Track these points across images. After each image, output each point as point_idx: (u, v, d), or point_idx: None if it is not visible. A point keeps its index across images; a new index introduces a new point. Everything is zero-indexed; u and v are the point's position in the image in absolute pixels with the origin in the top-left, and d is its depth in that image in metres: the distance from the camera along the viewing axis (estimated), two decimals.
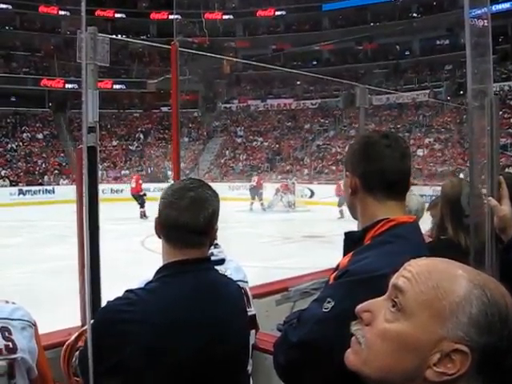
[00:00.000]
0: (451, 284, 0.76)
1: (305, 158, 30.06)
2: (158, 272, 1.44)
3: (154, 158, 32.18)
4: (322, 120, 33.93)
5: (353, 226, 1.45)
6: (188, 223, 1.39)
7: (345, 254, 1.31)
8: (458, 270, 0.78)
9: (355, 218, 1.40)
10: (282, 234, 13.28)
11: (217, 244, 2.08)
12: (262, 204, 20.15)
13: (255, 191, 20.48)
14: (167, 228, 1.42)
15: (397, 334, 0.76)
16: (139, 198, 17.49)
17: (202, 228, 1.41)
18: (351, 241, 1.32)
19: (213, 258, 2.24)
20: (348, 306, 0.89)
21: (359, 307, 0.83)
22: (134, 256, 10.35)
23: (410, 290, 0.78)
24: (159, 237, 1.46)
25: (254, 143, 33.57)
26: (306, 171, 28.30)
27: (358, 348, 0.80)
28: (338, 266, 1.29)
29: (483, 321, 0.74)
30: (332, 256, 1.39)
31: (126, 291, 1.41)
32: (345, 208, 17.45)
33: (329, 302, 1.20)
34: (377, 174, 1.32)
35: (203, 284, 1.42)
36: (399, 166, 1.32)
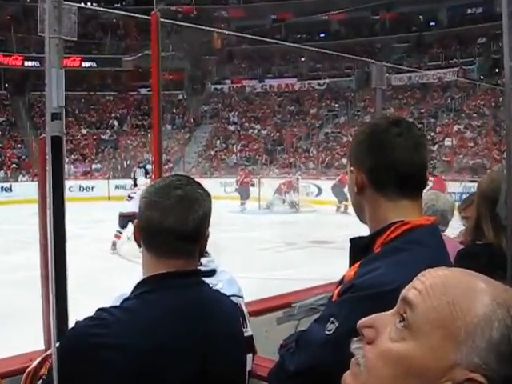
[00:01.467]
0: (470, 301, 0.75)
1: (311, 149, 30.12)
2: (137, 287, 1.44)
3: (130, 150, 32.19)
4: (331, 104, 34.00)
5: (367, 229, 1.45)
6: (174, 227, 1.39)
7: (351, 265, 1.31)
8: (480, 284, 0.77)
9: (363, 220, 1.40)
10: (283, 239, 13.30)
11: (206, 252, 2.07)
12: (242, 204, 20.07)
13: (243, 190, 20.41)
14: (149, 233, 1.42)
15: (401, 356, 0.76)
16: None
17: (190, 233, 1.41)
18: (358, 249, 1.33)
19: (202, 268, 2.24)
20: (355, 326, 0.89)
21: (361, 322, 0.82)
22: (108, 266, 10.34)
23: (420, 304, 0.77)
24: (139, 244, 1.46)
25: (251, 131, 33.62)
26: (312, 164, 28.35)
27: (357, 370, 0.79)
28: (342, 278, 1.30)
29: (505, 348, 0.72)
30: (345, 265, 1.36)
31: (99, 310, 1.40)
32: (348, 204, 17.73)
33: (332, 323, 1.20)
34: (387, 167, 1.32)
35: (191, 302, 1.42)
36: (413, 157, 1.33)
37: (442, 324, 0.75)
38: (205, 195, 1.46)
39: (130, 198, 12.12)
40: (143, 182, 13.28)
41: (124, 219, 11.70)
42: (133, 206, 11.70)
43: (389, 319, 0.80)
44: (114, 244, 11.82)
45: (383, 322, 0.80)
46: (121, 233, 11.98)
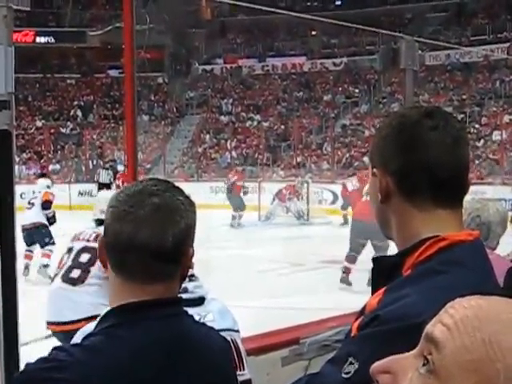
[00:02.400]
0: (510, 338, 0.74)
1: (324, 145, 30.14)
2: (102, 320, 1.44)
3: (97, 147, 32.22)
4: (349, 88, 34.05)
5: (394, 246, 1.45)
6: (149, 244, 1.39)
7: (374, 291, 1.32)
8: None
9: (388, 235, 1.41)
10: (289, 259, 13.28)
11: (193, 275, 2.07)
12: (235, 218, 19.73)
13: (236, 197, 20.01)
14: (117, 252, 1.43)
15: None
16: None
17: (170, 252, 1.41)
18: (383, 271, 1.33)
19: (187, 296, 2.23)
20: None
21: (376, 366, 0.82)
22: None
23: (449, 343, 0.77)
24: (105, 265, 1.47)
25: (248, 123, 33.63)
26: (325, 165, 28.36)
27: None
28: (363, 308, 1.30)
29: None
30: (366, 291, 1.39)
31: (55, 349, 1.40)
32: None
33: (351, 364, 1.20)
34: (419, 170, 1.33)
35: (170, 339, 1.42)
36: (452, 156, 1.34)
37: (477, 367, 0.74)
38: (188, 204, 1.46)
39: (31, 204, 11.77)
40: (43, 185, 12.42)
41: (28, 234, 11.23)
42: (33, 216, 11.44)
43: (410, 362, 0.80)
44: (26, 268, 11.14)
45: (403, 366, 0.80)
46: (31, 251, 11.56)
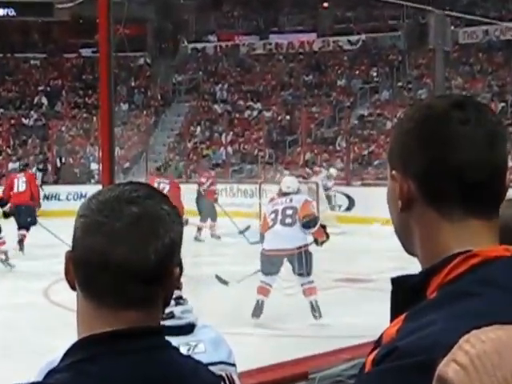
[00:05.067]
0: None
1: (338, 140, 30.12)
2: (69, 352, 1.43)
3: (66, 141, 32.19)
4: (367, 72, 34.04)
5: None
6: (126, 263, 1.39)
7: (393, 317, 1.31)
8: None
9: (409, 250, 1.41)
10: (295, 276, 13.28)
11: (181, 298, 2.06)
12: (212, 234, 19.57)
13: (208, 204, 19.71)
14: (87, 270, 1.42)
15: None
16: None
17: (151, 272, 1.41)
18: (404, 293, 1.33)
19: (173, 322, 2.22)
20: None
21: None
22: (33, 316, 10.34)
23: None
24: (72, 286, 1.47)
25: (247, 113, 33.64)
26: (339, 163, 28.33)
27: None
28: (380, 338, 1.29)
29: None
30: (386, 315, 1.35)
31: None
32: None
33: None
34: (447, 172, 1.33)
35: (148, 376, 1.40)
36: (486, 156, 1.33)
37: None
38: (173, 213, 1.46)
39: None
40: None
41: None
42: None
43: None
44: None
45: None
46: None
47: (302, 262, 10.25)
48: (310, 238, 10.61)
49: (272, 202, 11.12)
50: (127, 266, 1.39)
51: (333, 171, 23.01)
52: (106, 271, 1.39)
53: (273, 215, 10.54)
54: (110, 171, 2.80)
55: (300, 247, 10.29)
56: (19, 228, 16.78)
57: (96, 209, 1.42)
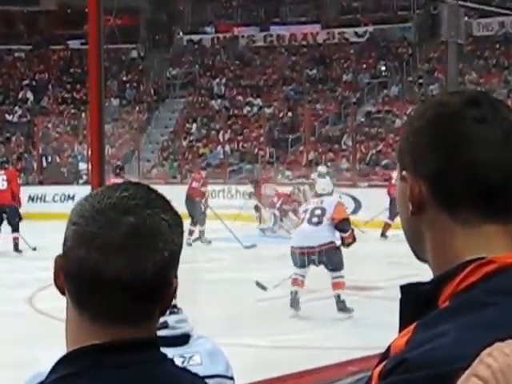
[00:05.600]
0: None
1: (343, 138, 30.23)
2: (57, 366, 1.42)
3: (53, 138, 32.22)
4: (375, 65, 34.25)
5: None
6: (122, 277, 1.39)
7: (402, 328, 1.30)
8: None
9: (420, 256, 1.41)
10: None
11: (175, 307, 2.03)
12: (202, 239, 19.83)
13: (197, 206, 19.95)
14: (80, 283, 1.42)
15: None
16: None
17: (149, 286, 1.41)
18: (414, 302, 1.32)
19: (167, 332, 2.18)
20: None
21: None
22: (18, 326, 10.34)
23: None
24: (62, 292, 1.47)
25: (247, 110, 33.76)
26: (344, 163, 28.41)
27: None
28: (387, 350, 1.28)
29: None
30: (395, 326, 1.35)
31: None
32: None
33: None
34: (461, 173, 1.32)
35: None
36: (503, 156, 1.32)
37: None
38: (174, 223, 1.44)
39: None
40: None
41: None
42: None
43: None
44: None
45: None
46: None
47: (331, 257, 11.21)
48: (337, 237, 11.53)
49: (306, 202, 12.77)
50: (123, 281, 1.39)
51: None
52: (99, 286, 1.39)
53: (303, 214, 11.74)
54: (100, 171, 2.77)
55: (324, 245, 11.21)
56: (12, 231, 17.28)
57: (90, 218, 1.41)
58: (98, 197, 1.45)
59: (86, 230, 1.40)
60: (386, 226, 20.05)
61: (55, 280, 1.45)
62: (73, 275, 1.42)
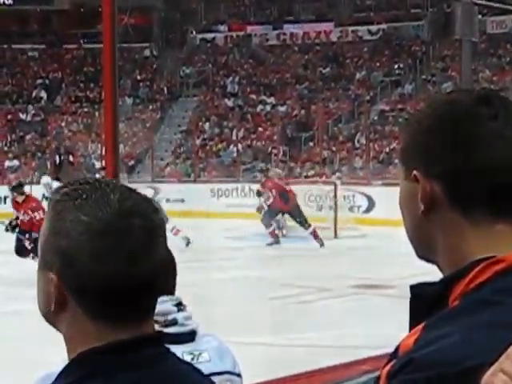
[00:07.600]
0: None
1: (357, 137, 30.08)
2: (67, 369, 1.42)
3: (66, 137, 32.22)
4: (388, 64, 33.99)
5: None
6: (139, 280, 1.40)
7: (411, 327, 1.30)
8: None
9: (428, 257, 1.41)
10: (310, 282, 13.27)
11: (181, 304, 2.05)
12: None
13: (272, 213, 19.97)
14: (92, 295, 1.41)
15: None
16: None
17: (159, 280, 1.44)
18: (423, 301, 1.32)
19: (177, 329, 2.21)
20: None
21: None
22: (30, 325, 10.37)
23: None
24: (62, 307, 1.43)
25: (260, 108, 33.60)
26: (358, 161, 28.30)
27: None
28: (396, 349, 1.28)
29: None
30: (406, 324, 1.35)
31: None
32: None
33: None
34: (474, 172, 1.32)
35: None
36: None
37: None
38: (160, 214, 1.47)
39: None
40: None
41: None
42: None
43: None
44: None
45: None
46: None
47: None
48: None
49: None
50: (143, 283, 1.40)
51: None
52: (120, 293, 1.39)
53: None
54: (114, 169, 2.79)
55: None
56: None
57: (98, 230, 1.39)
58: (98, 203, 1.42)
59: (99, 244, 1.38)
60: None
61: (56, 292, 1.41)
62: (82, 288, 1.39)
